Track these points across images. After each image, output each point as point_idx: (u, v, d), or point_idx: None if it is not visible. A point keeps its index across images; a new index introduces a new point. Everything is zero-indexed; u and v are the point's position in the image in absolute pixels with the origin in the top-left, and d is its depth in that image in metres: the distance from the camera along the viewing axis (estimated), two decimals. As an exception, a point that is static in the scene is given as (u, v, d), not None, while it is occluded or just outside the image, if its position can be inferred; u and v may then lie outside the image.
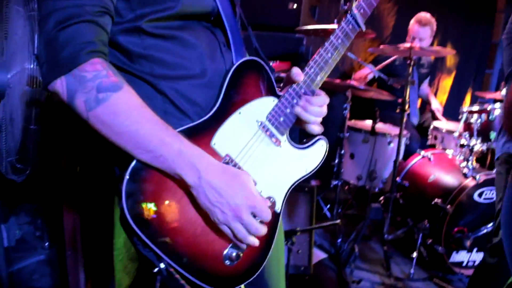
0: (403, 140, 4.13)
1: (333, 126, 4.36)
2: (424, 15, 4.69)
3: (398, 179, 4.06)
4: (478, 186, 3.54)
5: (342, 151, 4.19)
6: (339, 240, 3.87)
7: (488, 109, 3.83)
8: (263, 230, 1.21)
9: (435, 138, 4.49)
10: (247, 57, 1.33)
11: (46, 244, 2.86)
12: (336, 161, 4.22)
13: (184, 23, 1.24)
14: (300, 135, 2.66)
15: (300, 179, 1.43)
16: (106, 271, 2.53)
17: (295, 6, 3.91)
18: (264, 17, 3.89)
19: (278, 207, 1.37)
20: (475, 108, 3.91)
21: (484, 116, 3.86)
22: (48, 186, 2.69)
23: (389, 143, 4.20)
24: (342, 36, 1.42)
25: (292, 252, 2.90)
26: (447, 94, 6.14)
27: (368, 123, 4.42)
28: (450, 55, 5.98)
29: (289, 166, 1.40)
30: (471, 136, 3.86)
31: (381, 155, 4.21)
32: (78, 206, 2.47)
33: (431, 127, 4.55)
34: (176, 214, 1.18)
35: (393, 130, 4.30)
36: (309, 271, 3.21)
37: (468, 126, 3.95)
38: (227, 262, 1.27)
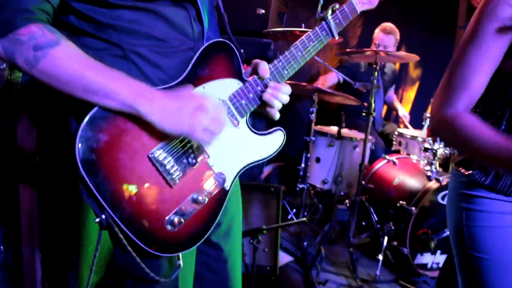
0: (368, 145, 4.17)
1: (299, 130, 4.36)
2: (389, 24, 4.80)
3: (363, 182, 4.07)
4: (441, 188, 3.60)
5: (308, 155, 4.20)
6: (305, 243, 3.86)
7: None
8: (222, 128, 1.28)
9: (400, 144, 4.55)
10: (221, 39, 1.39)
11: (1, 247, 2.72)
12: (302, 165, 4.23)
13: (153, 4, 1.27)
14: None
15: (253, 163, 1.47)
16: (65, 267, 2.45)
17: (262, 11, 3.92)
18: (232, 21, 3.88)
19: (227, 185, 1.40)
20: None
21: None
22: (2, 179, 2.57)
23: (355, 147, 4.24)
24: (315, 39, 1.49)
25: (258, 251, 2.86)
26: (411, 104, 6.26)
27: (334, 128, 4.44)
28: (414, 67, 6.15)
29: (244, 148, 1.44)
30: (434, 141, 3.89)
31: (346, 159, 4.23)
32: (36, 199, 2.36)
33: (396, 133, 4.61)
34: (127, 167, 1.19)
35: (359, 135, 4.34)
36: (275, 271, 3.17)
37: (431, 132, 4.00)
38: (169, 227, 1.27)
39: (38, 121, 2.20)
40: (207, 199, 1.33)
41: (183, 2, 1.33)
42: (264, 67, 1.43)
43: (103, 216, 1.18)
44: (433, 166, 3.79)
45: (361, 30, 5.60)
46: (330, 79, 4.89)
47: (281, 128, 1.51)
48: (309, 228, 4.24)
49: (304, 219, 3.03)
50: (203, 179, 1.34)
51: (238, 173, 1.43)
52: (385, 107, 5.54)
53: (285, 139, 1.50)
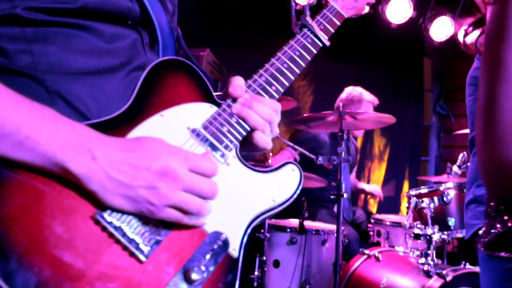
0: (340, 238, 3.81)
1: None
2: (353, 87, 4.75)
3: (341, 288, 3.74)
4: (447, 286, 3.15)
5: (263, 258, 3.81)
6: None
7: (441, 189, 3.71)
8: (215, 186, 1.13)
9: (378, 234, 4.25)
10: (172, 56, 1.36)
11: None
12: (256, 273, 3.83)
13: (90, 21, 1.19)
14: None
15: (267, 212, 1.29)
16: None
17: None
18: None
19: (233, 249, 1.21)
20: (424, 191, 3.77)
21: (437, 199, 3.69)
22: None
23: (323, 242, 3.89)
24: (300, 48, 1.45)
25: None
26: (381, 184, 6.18)
27: (294, 221, 4.13)
28: (379, 138, 6.16)
29: (246, 194, 1.29)
30: (425, 224, 3.57)
31: (314, 259, 3.89)
32: None
33: (372, 220, 4.37)
34: (62, 239, 1.00)
35: (327, 226, 4.09)
36: None
37: (418, 214, 3.75)
38: None
39: None
40: (205, 275, 1.14)
41: (136, 26, 1.30)
42: (236, 83, 1.30)
43: None
44: (429, 258, 3.41)
45: (312, 98, 5.56)
46: (284, 159, 4.60)
47: (292, 162, 1.35)
48: None
49: None
50: (192, 244, 1.16)
51: (246, 229, 1.25)
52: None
53: (302, 175, 1.34)
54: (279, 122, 1.37)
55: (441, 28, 5.51)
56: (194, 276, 1.10)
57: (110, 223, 1.04)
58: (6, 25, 1.09)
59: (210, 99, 1.31)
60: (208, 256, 1.16)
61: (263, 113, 1.30)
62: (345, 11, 1.55)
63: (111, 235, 1.05)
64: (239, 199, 1.27)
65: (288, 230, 3.88)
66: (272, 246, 3.95)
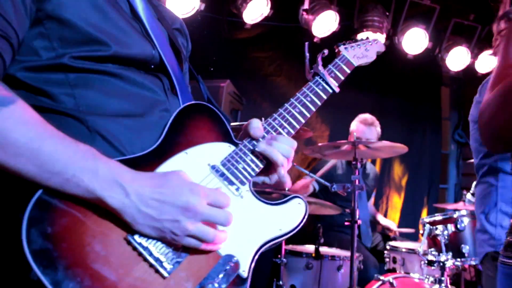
0: (356, 264, 3.80)
1: (265, 251, 3.86)
2: (368, 115, 4.65)
3: (355, 314, 3.64)
4: None
5: (280, 282, 3.81)
6: None
7: (455, 216, 3.63)
8: (229, 215, 1.24)
9: (394, 261, 4.21)
10: (196, 101, 1.44)
11: None
12: None
13: (120, 67, 1.33)
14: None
15: (273, 239, 1.39)
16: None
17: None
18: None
19: (243, 270, 1.31)
20: (439, 218, 3.70)
21: (451, 226, 3.64)
22: None
23: (339, 268, 3.87)
24: (312, 94, 1.54)
25: None
26: (399, 212, 6.10)
27: (310, 247, 4.12)
28: (398, 165, 6.07)
29: (255, 222, 1.39)
30: (439, 251, 3.53)
31: (330, 284, 3.88)
32: None
33: (388, 247, 4.31)
34: (99, 255, 1.13)
35: (343, 252, 4.07)
36: None
37: (433, 241, 3.67)
38: None
39: None
40: None
41: (156, 73, 1.43)
42: (256, 125, 1.42)
43: None
44: (442, 285, 3.41)
45: (330, 127, 5.56)
46: (305, 184, 4.60)
47: (299, 195, 1.45)
48: None
49: None
50: (208, 265, 1.27)
51: (255, 254, 1.35)
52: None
53: (307, 208, 1.45)
54: (296, 150, 1.46)
55: (458, 58, 5.47)
56: None
57: (139, 244, 1.17)
58: (53, 72, 1.25)
59: (229, 139, 1.43)
60: (221, 275, 1.27)
61: (282, 150, 1.41)
62: (355, 60, 1.66)
63: (140, 254, 1.17)
64: (250, 227, 1.38)
65: (305, 255, 3.90)
66: (289, 271, 3.95)
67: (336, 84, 1.58)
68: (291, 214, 1.43)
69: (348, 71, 1.64)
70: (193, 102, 1.42)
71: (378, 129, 4.60)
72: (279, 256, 3.82)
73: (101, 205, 1.13)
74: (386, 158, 5.83)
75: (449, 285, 3.45)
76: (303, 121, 1.51)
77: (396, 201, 6.13)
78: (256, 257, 1.36)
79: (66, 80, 1.25)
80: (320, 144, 3.92)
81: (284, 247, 3.85)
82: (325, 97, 1.56)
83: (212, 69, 4.60)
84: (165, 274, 1.20)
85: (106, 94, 1.30)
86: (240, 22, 4.85)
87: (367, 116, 4.63)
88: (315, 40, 5.03)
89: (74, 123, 1.25)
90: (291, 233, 1.41)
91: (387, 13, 5.27)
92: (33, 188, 1.10)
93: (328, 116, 5.53)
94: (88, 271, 1.10)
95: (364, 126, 4.54)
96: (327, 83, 1.56)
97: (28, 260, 1.03)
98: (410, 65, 5.66)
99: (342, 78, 1.62)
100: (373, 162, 5.48)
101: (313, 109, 1.53)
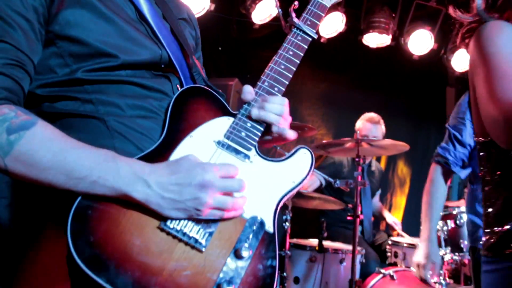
0: (358, 258, 3.89)
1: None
2: (374, 114, 4.68)
3: (356, 305, 3.68)
4: None
5: (284, 274, 3.83)
6: None
7: (455, 213, 3.74)
8: (242, 182, 1.31)
9: (395, 255, 4.31)
10: (188, 86, 1.49)
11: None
12: (278, 287, 3.79)
13: (131, 72, 1.42)
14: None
15: (289, 192, 1.46)
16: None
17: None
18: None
19: (269, 226, 1.38)
20: None
21: (450, 222, 3.74)
22: None
23: (341, 261, 3.94)
24: (293, 47, 1.56)
25: None
26: (402, 210, 6.09)
27: (314, 241, 4.18)
28: (402, 165, 6.07)
29: (269, 181, 1.45)
30: (438, 246, 3.51)
31: (332, 277, 3.92)
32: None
33: (389, 242, 4.40)
34: (141, 248, 1.21)
35: (345, 246, 4.11)
36: None
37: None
38: None
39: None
40: (251, 251, 1.32)
41: (165, 73, 1.49)
42: (247, 90, 1.47)
43: None
44: (441, 278, 3.43)
45: (336, 125, 5.54)
46: (310, 183, 4.64)
47: (303, 146, 1.52)
48: None
49: None
50: (237, 230, 1.34)
51: (276, 209, 1.42)
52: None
53: (313, 155, 1.50)
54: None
55: (463, 59, 5.41)
56: (244, 253, 1.30)
57: (172, 228, 1.26)
58: (70, 86, 1.35)
59: (227, 112, 1.50)
60: (251, 236, 1.34)
61: (275, 109, 1.46)
62: (328, 1, 1.66)
63: (175, 237, 1.26)
64: (266, 186, 1.44)
65: (308, 248, 3.97)
66: (293, 264, 4.02)
67: (314, 31, 1.59)
68: (300, 164, 1.49)
69: (323, 14, 1.63)
70: (184, 88, 1.48)
71: (383, 127, 4.64)
72: (283, 249, 3.86)
73: (129, 200, 1.21)
74: (391, 156, 5.86)
75: (447, 278, 3.48)
76: (290, 75, 1.54)
77: (400, 200, 6.12)
78: (278, 210, 1.43)
79: (84, 90, 1.35)
80: (324, 141, 3.97)
81: (288, 240, 3.90)
82: (305, 46, 1.58)
83: (220, 48, 4.74)
84: (202, 248, 1.28)
85: (121, 98, 1.38)
86: (248, 22, 4.93)
87: (373, 114, 4.65)
88: (322, 40, 5.09)
89: (96, 123, 1.34)
90: (304, 182, 1.48)
91: (394, 15, 5.30)
92: (69, 201, 1.19)
93: (334, 115, 5.52)
94: (135, 263, 1.19)
95: (370, 124, 4.57)
96: (304, 32, 1.58)
97: (82, 268, 1.13)
98: (416, 66, 5.66)
99: (318, 23, 1.62)
100: (379, 161, 5.47)
101: (297, 62, 1.55)
